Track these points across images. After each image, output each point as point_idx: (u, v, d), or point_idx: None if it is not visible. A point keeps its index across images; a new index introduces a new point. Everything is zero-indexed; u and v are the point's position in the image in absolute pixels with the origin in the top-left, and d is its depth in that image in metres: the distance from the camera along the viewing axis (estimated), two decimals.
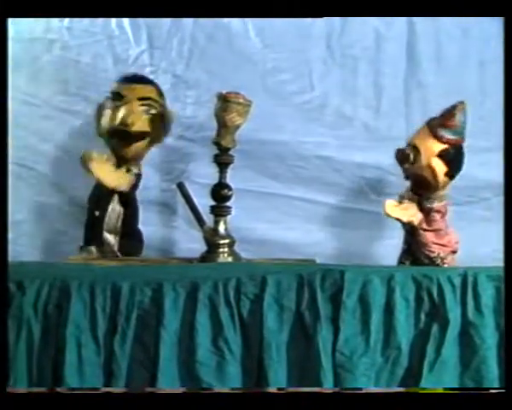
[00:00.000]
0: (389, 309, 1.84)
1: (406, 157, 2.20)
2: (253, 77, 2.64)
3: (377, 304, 1.84)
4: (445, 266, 2.20)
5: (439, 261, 2.21)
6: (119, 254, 2.34)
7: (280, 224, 2.63)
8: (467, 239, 2.58)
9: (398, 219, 2.23)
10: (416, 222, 2.22)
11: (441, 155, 2.19)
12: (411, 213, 2.22)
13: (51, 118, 2.64)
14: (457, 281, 1.86)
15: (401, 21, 2.67)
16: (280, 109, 2.65)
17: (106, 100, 2.36)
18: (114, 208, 2.35)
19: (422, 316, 1.86)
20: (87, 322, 1.82)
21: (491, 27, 2.58)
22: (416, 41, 2.67)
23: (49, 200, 2.63)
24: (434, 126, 2.21)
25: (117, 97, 2.33)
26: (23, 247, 2.57)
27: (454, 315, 1.84)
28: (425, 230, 2.22)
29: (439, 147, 2.20)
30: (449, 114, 2.22)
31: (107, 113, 2.33)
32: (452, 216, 2.66)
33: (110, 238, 2.34)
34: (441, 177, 2.20)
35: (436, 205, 2.23)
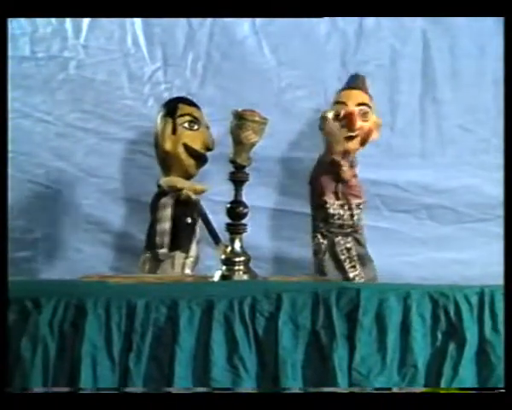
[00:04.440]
0: (405, 327, 1.83)
1: None
2: (267, 94, 2.65)
3: (393, 322, 1.83)
4: None
5: None
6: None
7: (295, 241, 2.63)
8: (482, 257, 2.58)
9: None
10: None
11: None
12: None
13: (67, 136, 2.66)
14: (474, 299, 1.85)
15: (416, 38, 2.68)
16: (295, 126, 2.66)
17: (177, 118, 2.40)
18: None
19: (439, 334, 1.84)
20: (102, 340, 1.82)
21: None
22: (431, 58, 2.67)
23: (65, 218, 2.64)
24: None
25: (194, 120, 2.41)
26: (41, 265, 2.58)
27: (471, 334, 1.83)
28: None
29: None
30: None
31: (188, 133, 2.40)
32: (467, 233, 2.66)
33: (195, 248, 2.40)
34: None
35: None
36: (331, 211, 2.33)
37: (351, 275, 2.31)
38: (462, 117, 2.66)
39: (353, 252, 2.33)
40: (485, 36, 2.64)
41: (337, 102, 2.39)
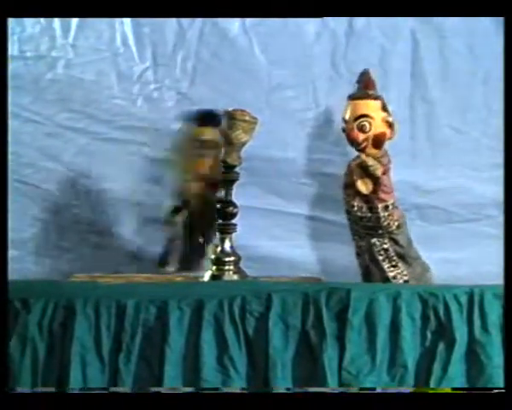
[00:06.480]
0: (395, 327, 1.84)
1: None
2: (257, 94, 2.64)
3: (383, 322, 1.84)
4: None
5: None
6: None
7: (285, 241, 2.62)
8: (473, 256, 2.58)
9: None
10: None
11: None
12: None
13: (55, 135, 2.65)
14: (464, 299, 1.86)
15: (406, 38, 2.67)
16: (285, 126, 2.65)
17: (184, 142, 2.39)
18: None
19: (429, 334, 1.85)
20: (92, 340, 1.82)
21: (497, 44, 2.58)
22: (420, 58, 2.67)
23: (54, 218, 2.63)
24: None
25: (201, 144, 2.36)
26: (29, 265, 2.57)
27: (460, 333, 1.83)
28: None
29: None
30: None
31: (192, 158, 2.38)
32: (457, 233, 2.66)
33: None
34: None
35: None
36: (359, 214, 2.31)
37: (390, 274, 2.30)
38: (451, 117, 2.66)
39: (391, 253, 2.31)
40: (474, 36, 2.64)
41: (342, 119, 2.39)
